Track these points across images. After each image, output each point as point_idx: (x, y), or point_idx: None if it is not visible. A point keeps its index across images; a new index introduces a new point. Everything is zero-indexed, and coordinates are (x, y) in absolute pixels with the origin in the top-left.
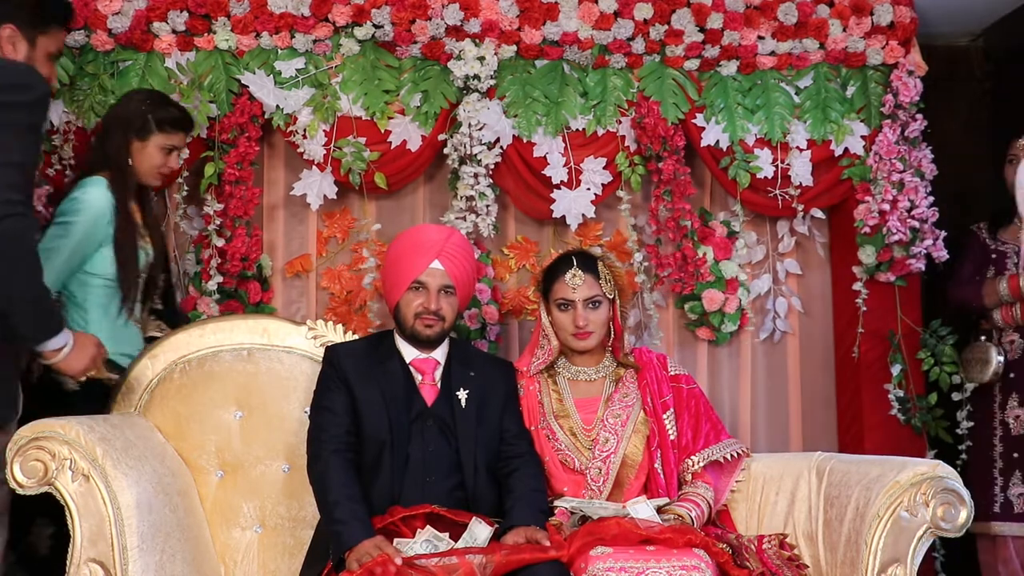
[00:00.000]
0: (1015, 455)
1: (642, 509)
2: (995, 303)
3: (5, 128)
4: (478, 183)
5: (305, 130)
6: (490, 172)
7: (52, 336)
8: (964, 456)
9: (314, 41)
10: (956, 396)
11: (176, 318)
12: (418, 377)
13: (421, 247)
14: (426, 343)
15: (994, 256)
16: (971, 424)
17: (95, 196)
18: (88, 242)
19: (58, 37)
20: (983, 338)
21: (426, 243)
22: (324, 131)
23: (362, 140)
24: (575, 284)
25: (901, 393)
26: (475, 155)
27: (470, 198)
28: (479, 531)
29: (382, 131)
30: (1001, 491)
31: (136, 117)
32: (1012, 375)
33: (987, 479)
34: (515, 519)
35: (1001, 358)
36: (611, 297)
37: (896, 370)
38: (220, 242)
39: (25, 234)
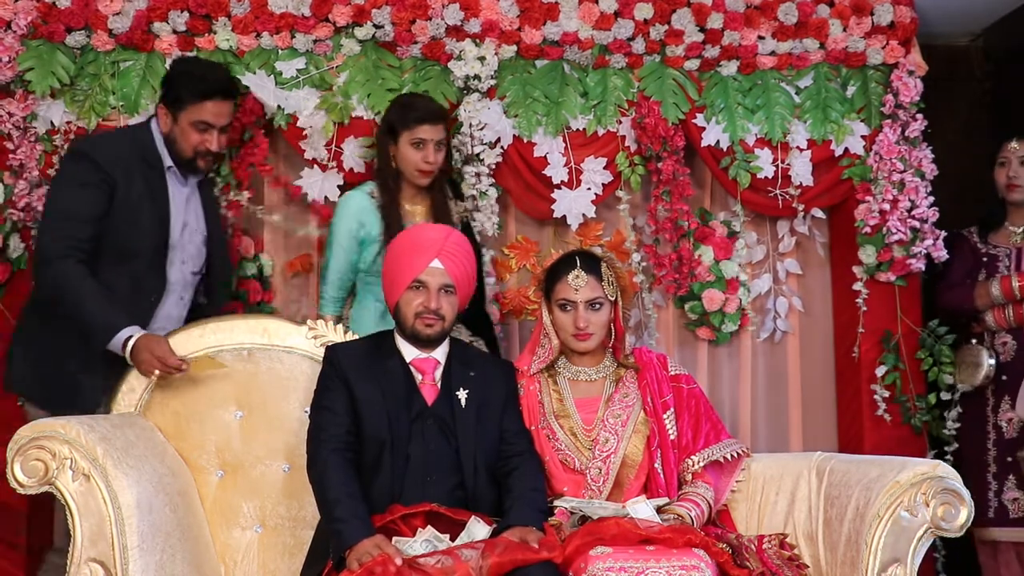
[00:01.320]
0: (1009, 459)
1: (642, 509)
2: (987, 305)
3: (57, 185)
4: (480, 182)
5: (320, 131)
6: (491, 172)
7: (102, 341)
8: (949, 458)
9: (315, 41)
10: (945, 396)
11: (479, 318)
12: (418, 377)
13: (420, 246)
14: (426, 342)
15: (985, 259)
16: (958, 425)
17: (344, 202)
18: (349, 245)
19: (198, 109)
20: (974, 341)
21: (425, 242)
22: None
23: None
24: (578, 285)
25: (888, 393)
26: (477, 154)
27: (472, 197)
28: (477, 530)
29: None
30: (995, 496)
31: (386, 123)
32: (1004, 377)
33: (981, 483)
34: (512, 519)
35: (992, 361)
36: (613, 299)
37: (882, 371)
38: None
39: (56, 270)
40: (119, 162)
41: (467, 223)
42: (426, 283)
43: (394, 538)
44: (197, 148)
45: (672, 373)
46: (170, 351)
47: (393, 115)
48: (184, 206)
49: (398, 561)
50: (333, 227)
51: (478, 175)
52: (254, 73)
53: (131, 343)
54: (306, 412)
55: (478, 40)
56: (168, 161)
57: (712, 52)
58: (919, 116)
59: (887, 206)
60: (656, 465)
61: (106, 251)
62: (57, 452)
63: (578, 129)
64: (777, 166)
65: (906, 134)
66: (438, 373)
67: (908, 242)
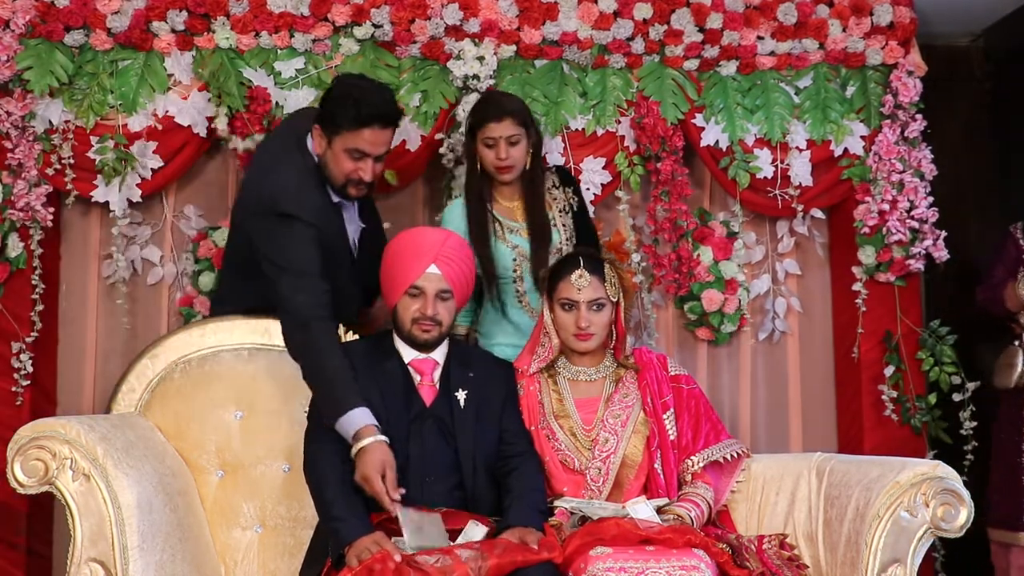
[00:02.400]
0: None
1: (641, 509)
2: (1017, 306)
3: (280, 244)
4: None
5: None
6: None
7: (330, 418)
8: (970, 457)
9: (313, 41)
10: (957, 397)
11: None
12: (417, 378)
13: (417, 251)
14: (424, 346)
15: None
16: (974, 424)
17: (447, 211)
18: None
19: (354, 137)
20: (1016, 343)
21: (422, 247)
22: None
23: None
24: (581, 285)
25: (895, 394)
26: None
27: None
28: (475, 532)
29: None
30: None
31: (467, 124)
32: None
33: (1015, 488)
34: (511, 519)
35: None
36: (615, 300)
37: (890, 371)
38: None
39: (289, 330)
40: (321, 215)
41: (581, 208)
42: (423, 289)
43: (393, 538)
44: (349, 176)
45: (672, 373)
46: (388, 489)
47: (469, 116)
48: (351, 224)
49: (397, 558)
50: None
51: None
52: (255, 70)
53: (362, 445)
54: (306, 412)
55: (477, 40)
56: (335, 198)
57: (711, 52)
58: (918, 116)
59: (886, 206)
60: (656, 465)
61: None
62: (57, 452)
63: (577, 129)
64: (776, 166)
65: (905, 134)
66: (437, 374)
67: (907, 242)
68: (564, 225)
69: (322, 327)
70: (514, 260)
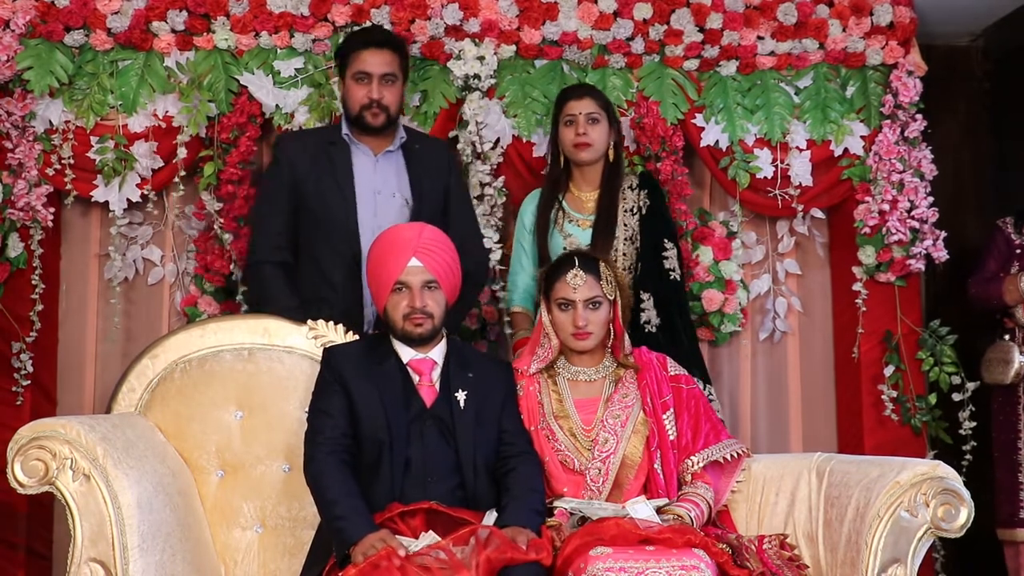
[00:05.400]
0: None
1: (641, 509)
2: (1016, 300)
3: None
4: (494, 180)
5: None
6: (493, 170)
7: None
8: (969, 457)
9: (313, 41)
10: (957, 396)
11: (673, 332)
12: (416, 378)
13: (396, 247)
14: (420, 342)
15: (1019, 251)
16: (974, 424)
17: (527, 197)
18: (519, 235)
19: (356, 61)
20: (1007, 337)
21: (400, 242)
22: None
23: None
24: (576, 284)
25: (895, 394)
26: (485, 152)
27: (479, 197)
28: (489, 519)
29: None
30: None
31: (552, 114)
32: None
33: (1012, 484)
34: (507, 519)
35: (1023, 358)
36: (612, 298)
37: (890, 371)
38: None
39: (250, 275)
40: (297, 145)
41: (652, 212)
42: (408, 283)
43: (398, 537)
44: (362, 102)
45: (672, 373)
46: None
47: (555, 104)
48: (371, 174)
49: (401, 553)
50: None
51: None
52: (252, 73)
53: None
54: (306, 412)
55: (477, 40)
56: (345, 129)
57: (711, 52)
58: (918, 116)
59: (886, 206)
60: (656, 465)
61: (314, 241)
62: (57, 452)
63: None
64: (776, 166)
65: (905, 134)
66: (435, 374)
67: (908, 242)
68: (626, 225)
69: (268, 270)
70: (564, 249)
